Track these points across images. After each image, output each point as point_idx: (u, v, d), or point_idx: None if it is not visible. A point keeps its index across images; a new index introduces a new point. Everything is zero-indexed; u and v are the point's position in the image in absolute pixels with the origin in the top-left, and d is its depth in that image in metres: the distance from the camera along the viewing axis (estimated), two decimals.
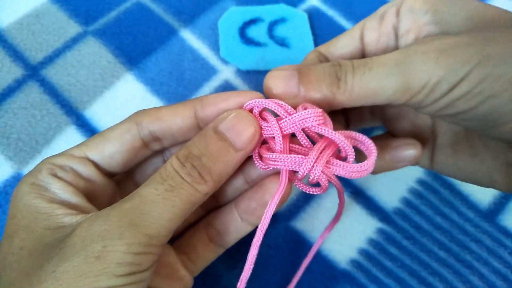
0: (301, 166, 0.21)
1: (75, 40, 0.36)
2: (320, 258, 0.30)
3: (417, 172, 0.33)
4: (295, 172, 0.23)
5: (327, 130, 0.21)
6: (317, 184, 0.23)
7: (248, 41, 0.37)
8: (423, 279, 0.30)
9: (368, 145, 0.22)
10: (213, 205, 0.27)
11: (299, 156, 0.21)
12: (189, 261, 0.25)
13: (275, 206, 0.22)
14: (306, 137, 0.22)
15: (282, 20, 0.38)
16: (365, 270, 0.30)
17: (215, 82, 0.36)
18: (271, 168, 0.22)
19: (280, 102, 0.22)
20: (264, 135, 0.22)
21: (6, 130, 0.33)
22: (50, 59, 0.36)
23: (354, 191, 0.32)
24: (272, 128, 0.22)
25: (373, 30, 0.26)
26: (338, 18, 0.39)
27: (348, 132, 0.22)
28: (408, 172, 0.33)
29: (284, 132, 0.22)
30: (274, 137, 0.22)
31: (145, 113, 0.23)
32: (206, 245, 0.25)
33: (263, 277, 0.29)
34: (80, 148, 0.22)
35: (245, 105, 0.22)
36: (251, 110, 0.23)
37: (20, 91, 0.34)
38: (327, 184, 0.22)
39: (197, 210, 0.26)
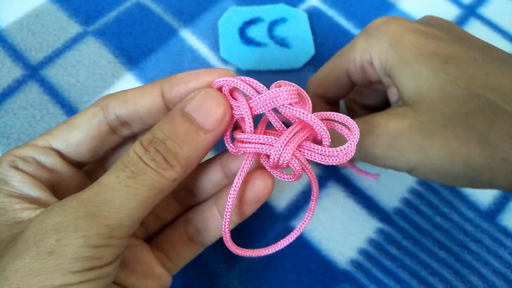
0: (272, 148, 0.20)
1: (75, 40, 0.36)
2: (320, 258, 0.30)
3: None
4: (268, 156, 0.21)
5: (298, 110, 0.19)
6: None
7: (248, 41, 0.37)
8: (423, 279, 0.30)
9: (350, 125, 0.20)
10: (192, 202, 0.25)
11: (270, 137, 0.20)
12: (167, 259, 0.24)
13: (238, 186, 0.21)
14: (278, 119, 0.21)
15: (282, 20, 0.38)
16: (365, 270, 0.30)
17: None
18: (242, 151, 0.21)
19: (250, 79, 0.20)
20: (235, 116, 0.21)
21: (6, 130, 0.33)
22: (50, 59, 0.36)
23: (354, 191, 0.32)
24: (241, 108, 0.20)
25: (362, 79, 0.27)
26: (338, 18, 0.39)
27: (327, 113, 0.21)
28: None
29: (255, 113, 0.20)
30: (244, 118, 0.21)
31: (111, 97, 0.22)
32: (185, 243, 0.24)
33: (263, 276, 0.29)
34: (44, 137, 0.21)
35: (213, 83, 0.21)
36: (220, 89, 0.21)
37: (20, 91, 0.34)
38: (300, 171, 0.20)
39: (175, 207, 0.25)
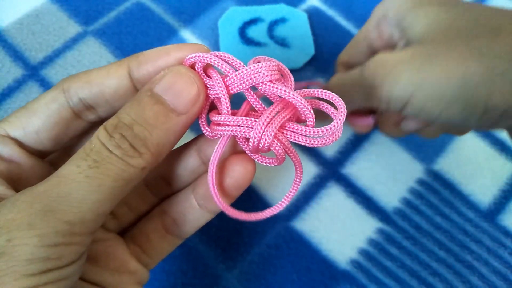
0: (251, 130, 0.18)
1: (75, 40, 0.36)
2: (320, 258, 0.30)
3: (417, 172, 0.33)
4: (248, 139, 0.19)
5: (279, 87, 0.18)
6: None
7: (248, 41, 0.37)
8: (423, 279, 0.30)
9: (337, 103, 0.18)
10: (167, 191, 0.24)
11: (249, 118, 0.18)
12: (143, 253, 0.22)
13: (215, 165, 0.19)
14: (257, 99, 0.19)
15: (282, 20, 0.38)
16: (365, 270, 0.30)
17: None
18: (218, 135, 0.19)
19: (226, 55, 0.19)
20: (210, 96, 0.19)
21: None
22: (50, 59, 0.36)
23: (354, 191, 0.32)
24: (216, 87, 0.18)
25: (377, 40, 0.28)
26: (338, 18, 0.39)
27: (311, 90, 0.19)
28: (408, 172, 0.33)
29: (232, 92, 0.19)
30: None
31: (73, 78, 0.20)
32: (162, 236, 0.23)
33: (263, 277, 0.29)
34: (0, 125, 0.19)
35: (185, 60, 0.19)
36: (193, 66, 0.19)
37: (20, 91, 0.34)
38: (282, 154, 0.19)
39: (149, 198, 0.24)
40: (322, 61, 0.37)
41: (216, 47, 0.37)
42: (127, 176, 0.17)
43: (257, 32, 0.38)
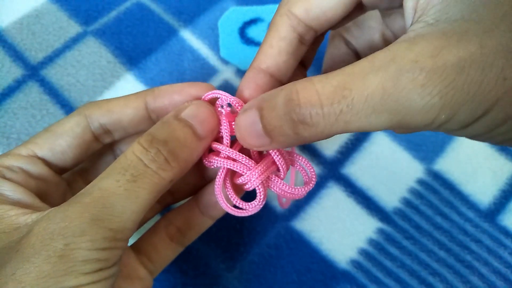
0: (247, 171, 0.21)
1: (75, 40, 0.36)
2: (320, 258, 0.30)
3: (417, 172, 0.33)
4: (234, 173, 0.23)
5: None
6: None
7: (248, 41, 0.37)
8: (423, 279, 0.30)
9: (310, 171, 0.23)
10: (169, 200, 0.27)
11: (246, 157, 0.21)
12: (149, 261, 0.24)
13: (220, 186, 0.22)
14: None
15: None
16: (365, 270, 0.30)
17: (215, 82, 0.36)
18: (214, 165, 0.22)
19: (236, 99, 0.22)
20: (220, 130, 0.22)
21: (6, 130, 0.33)
22: (50, 59, 0.36)
23: (354, 191, 0.32)
24: (222, 124, 0.22)
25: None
26: None
27: (296, 155, 0.23)
28: (408, 172, 0.33)
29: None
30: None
31: (95, 106, 0.23)
32: (167, 244, 0.25)
33: (263, 277, 0.29)
34: (28, 146, 0.22)
35: (203, 96, 0.22)
36: (209, 101, 0.22)
37: (20, 91, 0.34)
38: (261, 197, 0.22)
39: (155, 206, 0.26)
40: (321, 61, 0.37)
41: (216, 47, 0.37)
42: (159, 188, 0.19)
43: (257, 32, 0.38)
